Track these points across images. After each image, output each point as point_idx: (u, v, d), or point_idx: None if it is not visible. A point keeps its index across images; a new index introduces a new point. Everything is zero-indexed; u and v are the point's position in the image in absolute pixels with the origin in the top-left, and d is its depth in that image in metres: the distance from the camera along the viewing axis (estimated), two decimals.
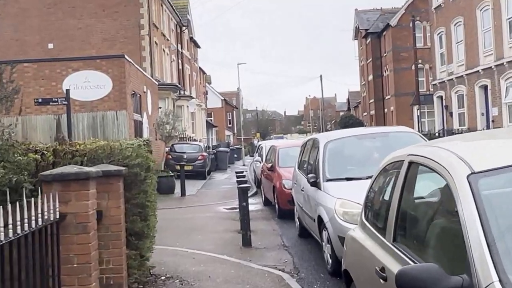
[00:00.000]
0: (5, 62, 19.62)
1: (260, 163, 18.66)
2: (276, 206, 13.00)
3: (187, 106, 38.84)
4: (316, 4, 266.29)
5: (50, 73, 19.23)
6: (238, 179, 10.37)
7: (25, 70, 19.22)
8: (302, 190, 8.77)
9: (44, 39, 31.30)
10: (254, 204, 15.62)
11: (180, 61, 43.11)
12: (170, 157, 24.98)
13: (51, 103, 16.46)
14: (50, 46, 30.79)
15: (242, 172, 12.88)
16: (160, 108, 27.05)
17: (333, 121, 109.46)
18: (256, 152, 26.13)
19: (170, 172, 18.94)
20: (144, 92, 23.32)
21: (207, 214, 14.10)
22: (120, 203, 5.79)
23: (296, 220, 10.26)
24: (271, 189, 13.81)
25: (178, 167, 19.34)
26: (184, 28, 45.19)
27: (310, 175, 7.75)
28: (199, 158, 25.33)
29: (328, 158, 7.75)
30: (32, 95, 18.39)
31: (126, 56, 19.77)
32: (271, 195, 13.93)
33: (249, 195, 18.69)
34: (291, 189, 11.65)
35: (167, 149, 25.89)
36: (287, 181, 12.33)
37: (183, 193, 17.51)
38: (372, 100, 54.62)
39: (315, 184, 7.60)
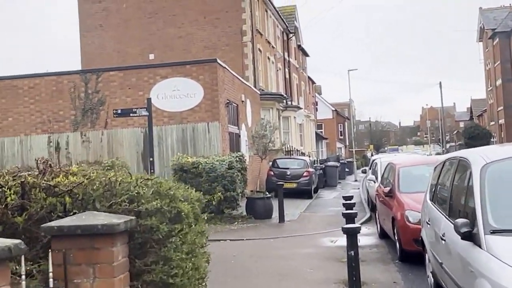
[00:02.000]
0: (91, 70, 18.10)
1: (374, 182, 15.48)
2: (397, 244, 9.84)
3: (294, 117, 36.22)
4: (432, 5, 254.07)
5: (137, 81, 17.38)
6: (345, 215, 7.44)
7: (111, 78, 17.53)
8: (442, 239, 5.67)
9: (145, 50, 30.19)
10: (367, 236, 12.50)
11: (286, 70, 40.67)
12: (272, 173, 22.40)
13: (131, 114, 14.47)
14: (151, 56, 29.51)
15: (350, 198, 9.91)
16: (263, 119, 24.43)
17: (455, 131, 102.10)
18: (370, 168, 22.83)
19: (267, 192, 16.26)
20: (243, 101, 20.96)
21: (306, 250, 11.22)
22: (115, 285, 3.14)
23: (429, 274, 7.11)
24: (389, 220, 10.66)
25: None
26: (291, 35, 42.75)
27: (459, 221, 4.64)
28: (304, 174, 22.49)
29: (491, 193, 4.64)
30: (118, 106, 16.62)
31: (218, 60, 17.49)
32: (389, 227, 10.78)
33: (361, 221, 15.70)
34: (417, 224, 8.54)
35: (269, 164, 23.39)
36: (412, 212, 9.19)
37: (281, 218, 14.78)
38: (501, 108, 48.90)
39: (470, 236, 4.54)
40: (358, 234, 6.64)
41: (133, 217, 3.27)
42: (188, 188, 4.29)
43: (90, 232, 3.04)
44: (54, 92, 17.66)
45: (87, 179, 3.70)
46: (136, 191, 3.47)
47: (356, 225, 6.69)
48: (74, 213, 3.39)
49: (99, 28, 31.05)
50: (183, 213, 3.69)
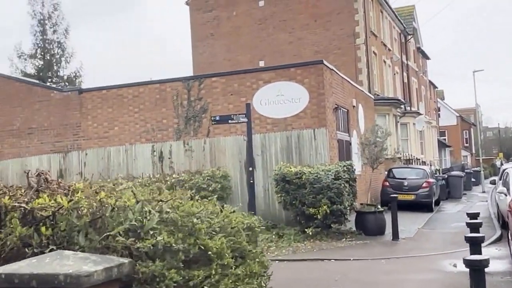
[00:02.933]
0: (193, 77, 17.57)
1: (506, 196, 13.35)
2: None
3: (414, 124, 33.79)
4: None
5: (239, 87, 16.56)
6: (469, 239, 5.84)
7: (213, 85, 16.86)
8: None
9: (255, 57, 29.61)
10: (497, 260, 10.55)
11: (405, 74, 38.33)
12: (387, 184, 20.63)
13: (229, 121, 13.63)
14: (261, 63, 28.82)
15: (475, 215, 8.20)
16: (376, 125, 22.68)
17: None
18: (500, 179, 20.27)
19: (379, 206, 14.63)
20: (354, 106, 19.47)
21: (422, 276, 9.58)
22: None
23: None
24: None
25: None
26: (409, 37, 40.33)
27: None
28: (424, 185, 20.44)
29: None
30: (220, 113, 15.89)
31: (325, 62, 16.21)
32: None
33: (490, 241, 13.58)
34: None
35: (385, 173, 21.61)
36: None
37: (395, 235, 13.12)
38: None
39: None
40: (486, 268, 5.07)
41: (126, 260, 2.16)
42: (233, 209, 3.11)
43: (49, 286, 1.98)
44: (158, 100, 17.34)
45: (70, 201, 2.63)
46: (137, 219, 2.36)
47: (483, 256, 5.10)
48: (51, 250, 2.37)
49: (210, 37, 30.98)
50: (210, 252, 2.48)
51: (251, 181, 13.48)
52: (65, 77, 40.99)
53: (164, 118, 17.26)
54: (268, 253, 12.17)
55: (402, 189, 19.86)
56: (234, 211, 3.63)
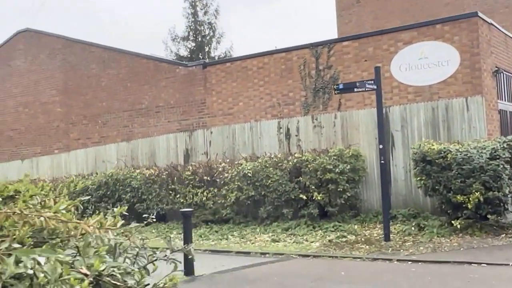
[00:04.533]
0: (321, 43, 15.44)
1: None
2: None
3: None
4: None
5: (375, 51, 14.15)
6: None
7: (344, 50, 14.64)
8: None
9: (406, 23, 26.46)
10: None
11: None
12: None
13: (355, 90, 11.38)
14: None
15: None
16: None
17: None
18: None
19: None
20: None
21: None
22: None
23: None
24: None
25: None
26: None
27: None
28: None
29: None
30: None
31: (480, 14, 13.13)
32: None
33: None
34: None
35: None
36: None
37: None
38: None
39: None
40: None
41: None
42: None
43: None
44: (283, 72, 15.55)
45: None
46: None
47: None
48: None
49: (356, 5, 28.43)
50: None
51: (382, 161, 11.16)
52: (216, 58, 40.87)
53: (290, 91, 15.44)
54: (402, 251, 9.84)
55: None
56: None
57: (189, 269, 8.47)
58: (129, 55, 18.79)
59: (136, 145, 18.33)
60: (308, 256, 10.43)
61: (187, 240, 8.75)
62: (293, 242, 11.80)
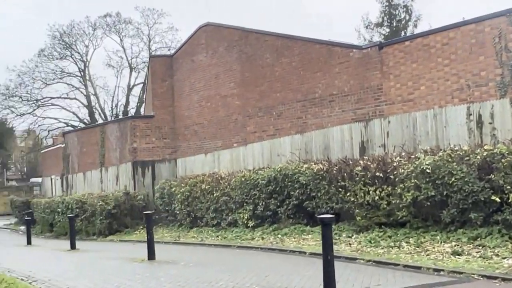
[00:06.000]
0: None
1: None
2: None
3: None
4: None
5: None
6: None
7: None
8: None
9: None
10: None
11: None
12: None
13: None
14: None
15: None
16: None
17: None
18: None
19: None
20: None
21: None
22: None
23: None
24: None
25: None
26: None
27: None
28: None
29: None
30: None
31: None
32: None
33: None
34: None
35: None
36: None
37: None
38: None
39: None
40: None
41: None
42: None
43: None
44: (473, 47, 12.92)
45: None
46: None
47: None
48: None
49: None
50: None
51: None
52: None
53: (482, 70, 12.76)
54: None
55: None
56: None
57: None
58: (301, 41, 17.57)
59: (310, 137, 17.08)
60: (495, 278, 8.08)
61: (327, 251, 7.15)
62: (479, 257, 9.43)
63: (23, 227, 28.78)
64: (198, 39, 22.50)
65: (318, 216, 7.51)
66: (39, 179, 44.43)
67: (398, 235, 11.91)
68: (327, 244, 7.23)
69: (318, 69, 16.84)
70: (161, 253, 13.47)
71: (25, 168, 71.07)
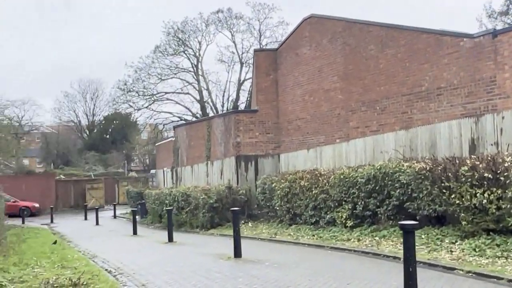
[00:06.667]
0: None
1: None
2: None
3: None
4: None
5: None
6: None
7: None
8: None
9: None
10: None
11: None
12: None
13: None
14: None
15: None
16: None
17: None
18: None
19: None
20: None
21: None
22: None
23: None
24: None
25: None
26: None
27: None
28: None
29: None
30: None
31: None
32: None
33: None
34: None
35: None
36: None
37: None
38: None
39: None
40: None
41: None
42: None
43: None
44: None
45: None
46: None
47: None
48: None
49: None
50: None
51: None
52: None
53: None
54: None
55: None
56: None
57: None
58: (408, 31, 16.43)
59: (415, 133, 15.97)
60: None
61: (409, 263, 6.37)
62: None
63: (137, 217, 29.99)
64: (302, 32, 21.97)
65: (399, 223, 6.71)
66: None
67: (508, 243, 10.66)
68: (409, 254, 6.45)
69: (425, 60, 15.66)
70: (252, 250, 13.16)
71: (147, 160, 74.52)
